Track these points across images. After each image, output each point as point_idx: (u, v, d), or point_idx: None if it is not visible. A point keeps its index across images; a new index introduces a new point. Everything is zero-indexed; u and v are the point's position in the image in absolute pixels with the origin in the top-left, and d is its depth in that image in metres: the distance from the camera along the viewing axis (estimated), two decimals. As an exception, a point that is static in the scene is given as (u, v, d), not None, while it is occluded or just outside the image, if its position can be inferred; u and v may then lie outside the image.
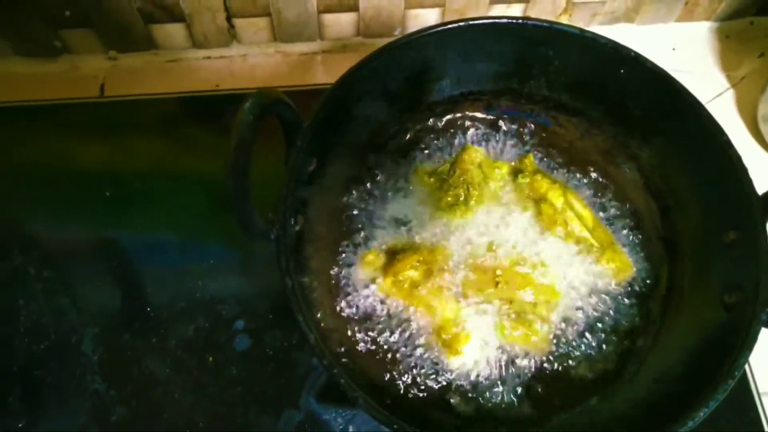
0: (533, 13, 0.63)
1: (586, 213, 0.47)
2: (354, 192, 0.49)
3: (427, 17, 0.62)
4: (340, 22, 0.62)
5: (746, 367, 0.51)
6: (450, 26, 0.43)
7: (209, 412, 0.47)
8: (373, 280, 0.46)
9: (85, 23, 0.59)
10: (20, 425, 0.47)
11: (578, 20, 0.64)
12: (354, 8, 0.60)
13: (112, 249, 0.54)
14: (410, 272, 0.44)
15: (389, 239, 0.47)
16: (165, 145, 0.58)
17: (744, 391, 0.50)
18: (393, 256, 0.45)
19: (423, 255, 0.45)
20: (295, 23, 0.61)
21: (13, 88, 0.60)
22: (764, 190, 0.40)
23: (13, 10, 0.56)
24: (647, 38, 0.66)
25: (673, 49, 0.66)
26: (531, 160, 0.50)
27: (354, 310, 0.45)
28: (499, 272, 0.44)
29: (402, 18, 0.62)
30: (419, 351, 0.44)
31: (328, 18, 0.61)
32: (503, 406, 0.42)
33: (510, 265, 0.45)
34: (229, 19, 0.60)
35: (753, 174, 0.42)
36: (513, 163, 0.50)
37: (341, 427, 0.47)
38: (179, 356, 0.49)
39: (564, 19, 0.64)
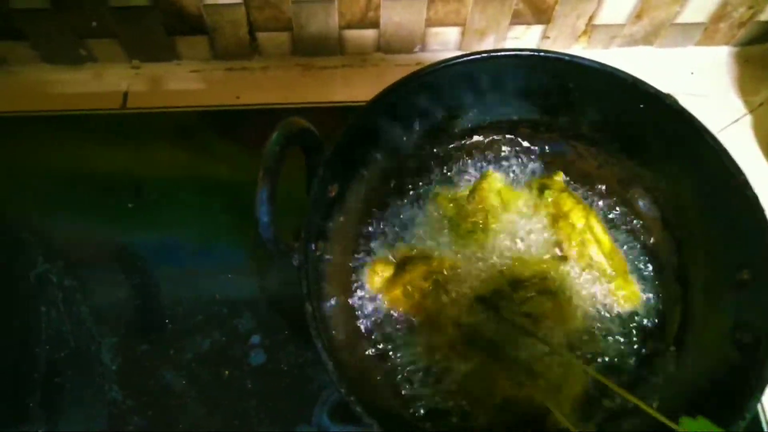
0: (553, 35, 0.63)
1: (605, 238, 0.48)
2: (374, 216, 0.49)
3: (447, 35, 0.63)
4: (361, 38, 0.62)
5: (759, 407, 0.51)
6: (471, 57, 0.43)
7: (223, 425, 0.48)
8: (386, 298, 0.46)
9: (110, 34, 0.59)
10: (40, 431, 0.48)
11: (597, 42, 0.65)
12: (375, 24, 0.60)
13: (133, 259, 0.55)
14: (419, 282, 0.45)
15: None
16: (185, 156, 0.59)
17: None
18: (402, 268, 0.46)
19: (432, 266, 0.45)
20: (316, 38, 0.61)
21: (39, 94, 0.61)
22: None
23: (42, 20, 0.57)
24: (666, 61, 0.66)
25: (692, 73, 0.66)
26: (560, 177, 0.50)
27: (368, 328, 0.46)
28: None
29: (422, 35, 0.62)
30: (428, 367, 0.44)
31: (350, 33, 0.62)
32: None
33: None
34: (251, 32, 0.61)
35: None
36: (541, 179, 0.50)
37: (352, 444, 0.48)
38: (195, 369, 0.50)
39: (583, 41, 0.64)
